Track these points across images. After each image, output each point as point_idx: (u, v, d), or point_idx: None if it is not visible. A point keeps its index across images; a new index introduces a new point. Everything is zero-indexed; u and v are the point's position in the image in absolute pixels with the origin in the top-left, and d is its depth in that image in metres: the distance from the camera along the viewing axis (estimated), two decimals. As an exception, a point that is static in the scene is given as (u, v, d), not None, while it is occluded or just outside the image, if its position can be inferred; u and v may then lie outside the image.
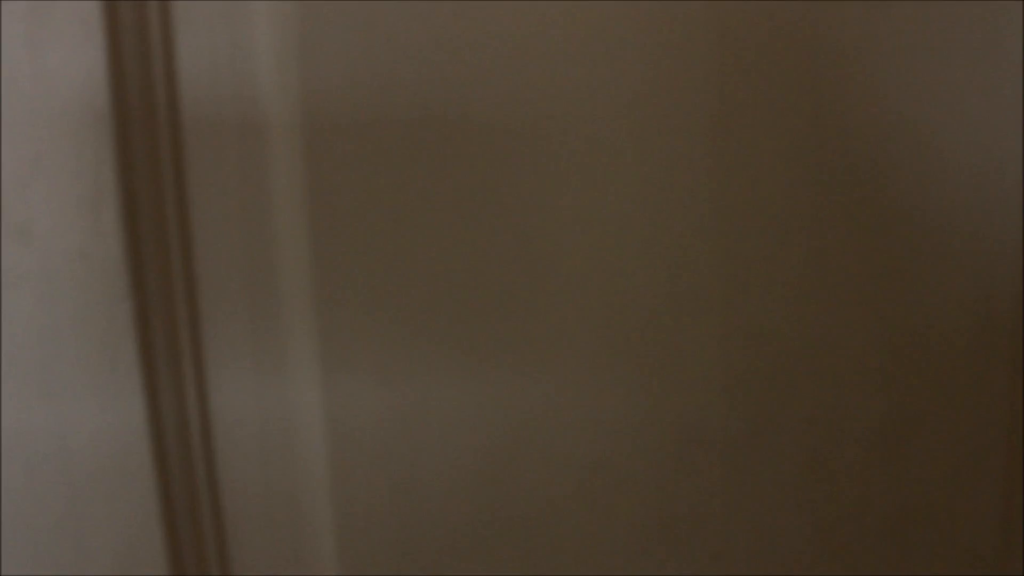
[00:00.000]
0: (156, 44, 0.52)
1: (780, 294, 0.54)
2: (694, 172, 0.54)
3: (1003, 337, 0.56)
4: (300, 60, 0.53)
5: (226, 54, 0.52)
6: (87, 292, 0.52)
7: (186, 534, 0.56)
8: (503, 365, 0.54)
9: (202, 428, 0.55)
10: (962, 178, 0.58)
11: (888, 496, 0.56)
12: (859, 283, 0.56)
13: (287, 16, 0.53)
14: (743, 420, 0.54)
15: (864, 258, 0.55)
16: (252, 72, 0.53)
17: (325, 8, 0.53)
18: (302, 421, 0.55)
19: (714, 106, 0.54)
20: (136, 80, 0.52)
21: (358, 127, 0.53)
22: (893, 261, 0.55)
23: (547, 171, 0.54)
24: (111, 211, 0.52)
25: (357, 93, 0.53)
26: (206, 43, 0.52)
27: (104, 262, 0.52)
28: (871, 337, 0.56)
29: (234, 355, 0.55)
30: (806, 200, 0.54)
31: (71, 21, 0.49)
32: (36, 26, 0.49)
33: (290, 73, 0.53)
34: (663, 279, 0.53)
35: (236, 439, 0.55)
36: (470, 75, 0.54)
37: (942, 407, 0.57)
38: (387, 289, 0.55)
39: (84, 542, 0.54)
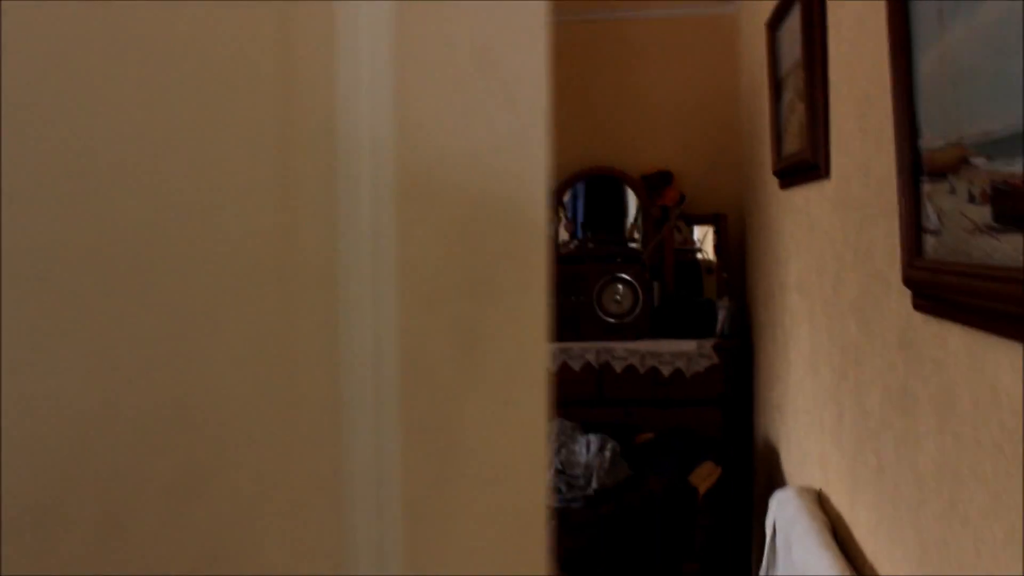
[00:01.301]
0: None
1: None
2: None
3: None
4: None
5: None
6: None
7: None
8: None
9: None
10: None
11: (186, 545, 0.65)
12: (144, 347, 0.63)
13: None
14: (43, 489, 0.59)
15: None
16: None
17: None
18: None
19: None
20: None
21: None
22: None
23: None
24: None
25: None
26: None
27: None
28: (159, 403, 0.64)
29: None
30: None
31: None
32: None
33: None
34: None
35: None
36: None
37: (230, 457, 0.67)
38: None
39: None
